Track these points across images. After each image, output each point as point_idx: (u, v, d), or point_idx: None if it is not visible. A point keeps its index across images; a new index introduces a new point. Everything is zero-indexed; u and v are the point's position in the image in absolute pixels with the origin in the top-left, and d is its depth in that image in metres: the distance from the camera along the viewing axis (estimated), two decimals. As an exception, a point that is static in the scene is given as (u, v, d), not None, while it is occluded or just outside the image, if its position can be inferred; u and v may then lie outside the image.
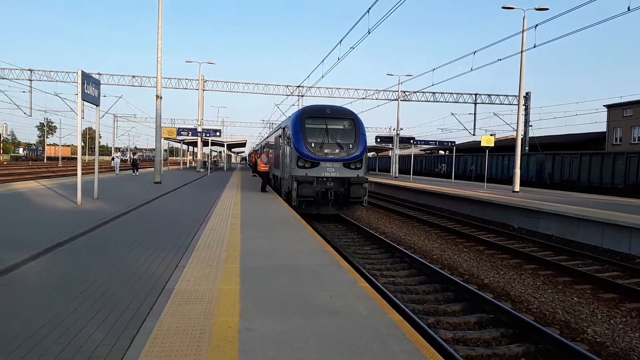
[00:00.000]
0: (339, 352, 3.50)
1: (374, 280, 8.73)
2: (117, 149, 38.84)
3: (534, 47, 16.43)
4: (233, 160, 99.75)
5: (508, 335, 6.62)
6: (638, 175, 26.90)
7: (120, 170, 33.10)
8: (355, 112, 17.54)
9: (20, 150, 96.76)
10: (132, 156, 36.52)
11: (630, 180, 27.34)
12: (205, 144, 42.28)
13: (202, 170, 41.62)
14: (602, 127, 48.32)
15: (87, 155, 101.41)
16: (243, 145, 71.21)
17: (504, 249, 12.85)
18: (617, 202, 19.86)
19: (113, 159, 34.95)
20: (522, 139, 31.70)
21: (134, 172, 32.25)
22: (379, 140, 45.45)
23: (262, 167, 19.69)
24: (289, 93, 43.43)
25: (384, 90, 44.17)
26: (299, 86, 42.04)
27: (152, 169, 37.34)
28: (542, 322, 7.23)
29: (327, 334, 3.82)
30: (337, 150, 16.01)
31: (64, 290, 5.00)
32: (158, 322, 4.03)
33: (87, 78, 12.35)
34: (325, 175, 15.90)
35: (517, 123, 25.39)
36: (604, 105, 47.35)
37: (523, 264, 11.35)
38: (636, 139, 44.54)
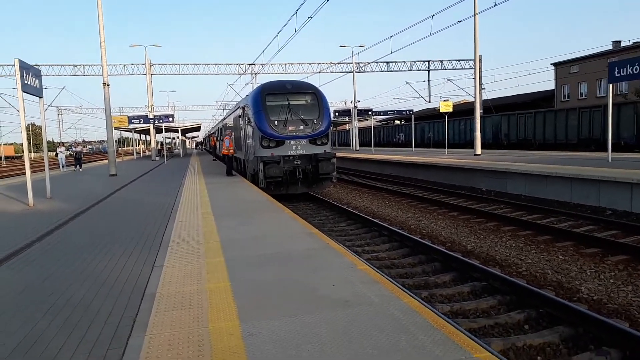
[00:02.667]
0: (364, 351, 3.11)
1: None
2: (61, 143, 34.29)
3: (495, 5, 16.23)
4: (188, 146, 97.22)
5: (505, 302, 6.44)
6: (590, 129, 27.74)
7: (66, 166, 29.37)
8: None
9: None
10: (74, 149, 31.48)
11: (583, 135, 28.18)
12: (158, 130, 40.70)
13: (157, 158, 40.14)
14: (551, 86, 49.63)
15: (32, 153, 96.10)
16: (198, 129, 69.31)
17: (478, 212, 12.82)
18: (575, 156, 20.33)
19: (57, 154, 30.77)
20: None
21: (76, 167, 28.74)
22: (336, 114, 45.09)
23: (225, 151, 18.93)
24: (242, 72, 42.19)
25: (338, 63, 43.59)
26: (251, 64, 40.86)
27: (97, 162, 35.42)
28: (535, 284, 7.12)
29: (344, 330, 3.41)
30: (301, 127, 15.49)
31: (28, 306, 4.38)
32: (146, 335, 3.51)
33: (26, 68, 11.26)
34: (292, 154, 15.41)
35: (475, 86, 25.54)
36: (551, 64, 48.55)
37: (500, 226, 11.32)
38: (583, 94, 46.03)
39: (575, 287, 6.95)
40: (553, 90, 49.53)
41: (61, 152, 30.25)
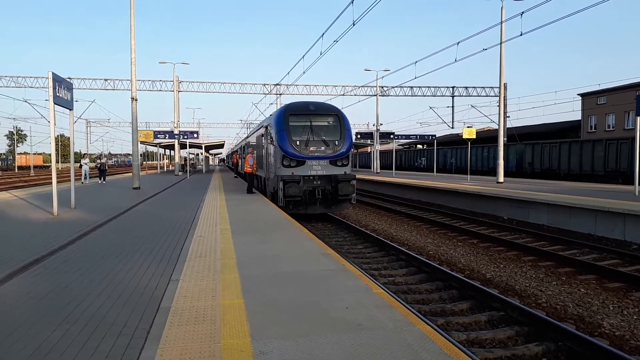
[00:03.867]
0: (372, 374, 3.07)
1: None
2: (85, 155, 33.48)
3: (521, 34, 16.22)
4: (211, 162, 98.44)
5: (523, 333, 6.29)
6: (617, 161, 27.19)
7: (89, 178, 28.82)
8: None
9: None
10: (99, 161, 30.58)
11: (610, 167, 27.61)
12: (182, 146, 41.35)
13: (180, 173, 40.71)
14: (577, 116, 48.96)
15: (60, 163, 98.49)
16: (221, 146, 70.20)
17: (499, 241, 12.62)
18: (601, 188, 19.91)
19: (81, 165, 29.53)
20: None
21: (100, 179, 28.25)
22: (359, 136, 45.15)
23: (248, 168, 19.12)
24: (267, 92, 42.78)
25: (362, 86, 43.93)
26: (277, 84, 41.43)
27: (122, 175, 35.64)
28: (555, 317, 6.94)
29: (356, 354, 3.38)
30: (322, 148, 15.58)
31: (46, 314, 4.45)
32: (159, 349, 3.53)
33: (58, 81, 11.64)
34: (312, 174, 15.47)
35: (499, 114, 25.35)
36: (578, 94, 47.98)
37: (521, 255, 11.12)
38: (610, 126, 45.24)
39: (597, 321, 6.76)
40: (579, 120, 48.82)
41: (85, 163, 29.42)
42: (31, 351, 3.60)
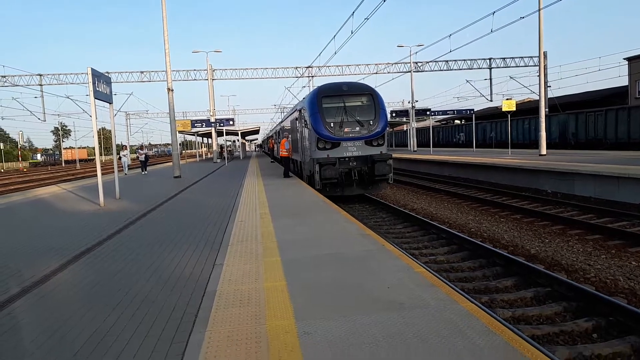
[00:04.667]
0: (419, 353, 3.07)
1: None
2: (124, 146, 32.76)
3: (559, -1, 15.47)
4: (248, 148, 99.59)
5: (572, 309, 6.14)
6: (669, 127, 25.83)
7: (129, 169, 29.19)
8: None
9: (38, 156, 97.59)
10: (141, 152, 30.42)
11: (661, 133, 26.28)
12: (219, 134, 41.96)
13: (218, 160, 41.40)
14: (624, 82, 46.63)
15: (102, 156, 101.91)
16: (257, 132, 70.76)
17: (543, 215, 12.29)
18: (652, 156, 19.02)
19: (120, 157, 29.52)
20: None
21: (142, 170, 28.46)
22: (394, 114, 44.61)
23: (283, 153, 19.25)
24: (299, 75, 42.70)
25: (395, 63, 43.19)
26: (308, 67, 41.29)
27: (163, 165, 36.15)
28: (605, 291, 6.74)
29: (400, 333, 3.39)
30: (357, 128, 15.47)
31: (99, 300, 4.66)
32: (207, 331, 3.64)
33: (97, 76, 11.97)
34: (347, 155, 15.41)
35: (540, 84, 24.47)
36: (624, 58, 45.60)
37: (567, 229, 10.81)
38: (660, 90, 42.92)
39: (651, 295, 6.52)
40: (626, 86, 46.49)
41: (124, 155, 29.58)
42: (88, 336, 3.78)
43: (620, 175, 13.49)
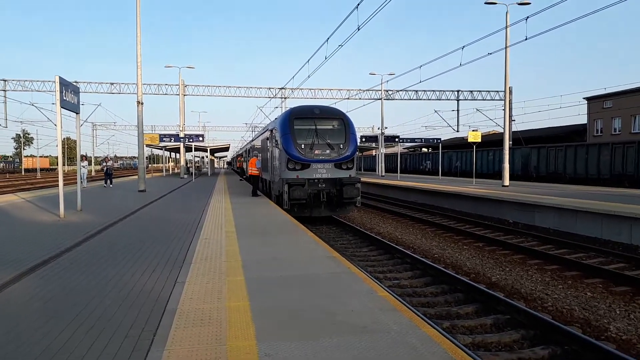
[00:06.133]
0: (378, 377, 3.08)
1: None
2: (84, 157, 30.72)
3: (526, 39, 16.25)
4: (216, 165, 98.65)
5: (529, 337, 6.27)
6: (623, 165, 27.03)
7: (87, 181, 27.92)
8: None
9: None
10: (105, 164, 29.57)
11: (616, 170, 27.45)
12: (188, 149, 41.49)
13: (185, 176, 40.82)
14: (583, 120, 48.77)
15: (66, 166, 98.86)
16: (226, 149, 70.29)
17: (504, 244, 12.59)
18: (607, 192, 19.81)
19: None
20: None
21: (106, 183, 27.20)
22: (363, 139, 45.17)
23: (253, 171, 19.16)
24: (272, 95, 42.88)
25: (367, 90, 43.95)
26: (282, 88, 41.55)
27: (128, 178, 35.14)
28: (561, 320, 6.91)
29: (361, 357, 3.38)
30: (327, 151, 15.60)
31: (53, 316, 4.48)
32: (165, 350, 3.55)
33: (65, 84, 11.73)
34: (317, 177, 15.48)
35: (505, 118, 25.30)
36: (584, 98, 47.79)
37: (527, 259, 11.09)
38: (617, 129, 45.03)
39: (604, 325, 6.72)
40: (585, 124, 48.62)
41: (83, 166, 26.18)
42: (40, 351, 3.62)
43: (578, 209, 13.99)
